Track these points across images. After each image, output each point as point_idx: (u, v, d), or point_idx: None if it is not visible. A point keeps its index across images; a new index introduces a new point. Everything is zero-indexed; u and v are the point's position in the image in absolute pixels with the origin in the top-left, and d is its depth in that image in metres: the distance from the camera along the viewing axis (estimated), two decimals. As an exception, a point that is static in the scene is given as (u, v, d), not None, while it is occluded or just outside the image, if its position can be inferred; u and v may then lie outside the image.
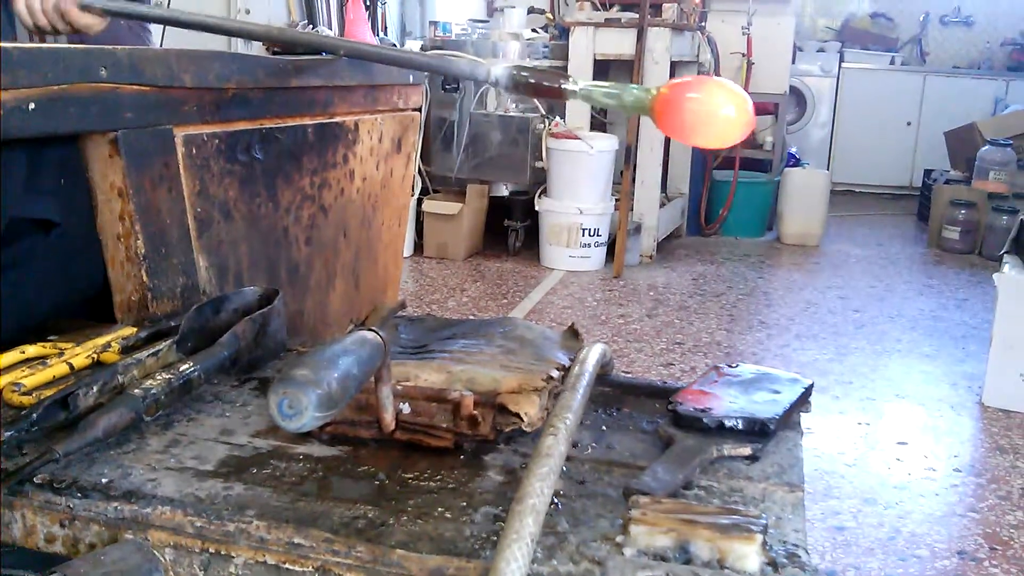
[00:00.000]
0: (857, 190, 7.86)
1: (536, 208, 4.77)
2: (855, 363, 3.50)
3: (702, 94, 1.02)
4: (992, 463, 2.65)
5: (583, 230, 4.64)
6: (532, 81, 1.12)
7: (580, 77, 1.16)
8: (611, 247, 4.72)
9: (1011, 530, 2.25)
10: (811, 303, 4.32)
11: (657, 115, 1.04)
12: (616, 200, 4.70)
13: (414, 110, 1.52)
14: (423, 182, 4.85)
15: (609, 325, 3.84)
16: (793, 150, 6.89)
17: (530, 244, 4.97)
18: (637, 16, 4.58)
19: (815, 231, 5.62)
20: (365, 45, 1.34)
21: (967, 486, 2.51)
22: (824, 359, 3.54)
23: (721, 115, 1.01)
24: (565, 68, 4.76)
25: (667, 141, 5.11)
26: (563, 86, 1.08)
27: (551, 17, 5.69)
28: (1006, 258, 3.12)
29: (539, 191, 4.78)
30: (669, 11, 4.86)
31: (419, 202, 4.83)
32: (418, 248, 4.92)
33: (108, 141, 0.95)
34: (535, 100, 4.61)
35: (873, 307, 4.28)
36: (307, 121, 1.25)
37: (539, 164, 4.73)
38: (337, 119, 1.31)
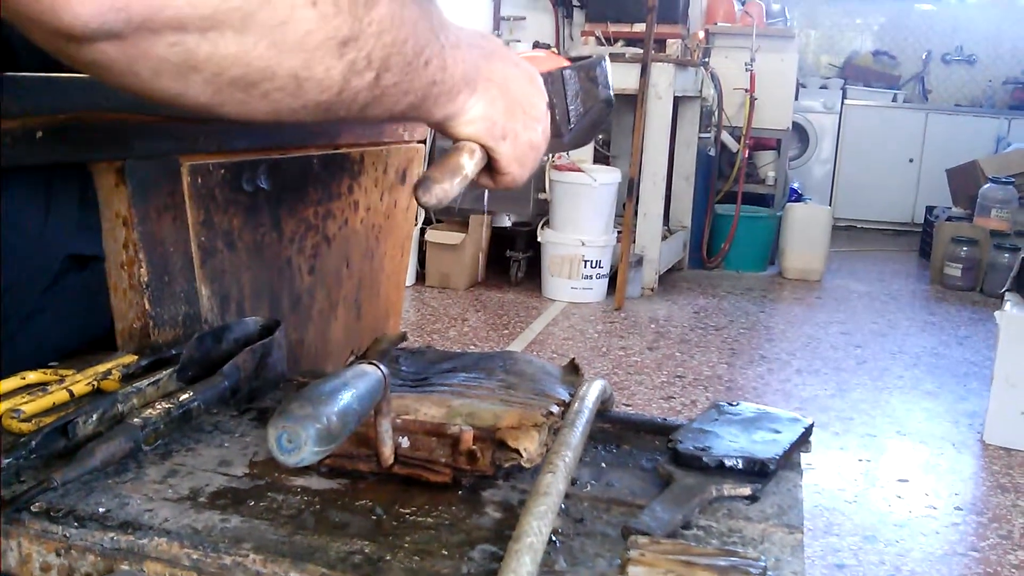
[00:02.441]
0: (859, 226, 7.88)
1: (538, 239, 4.78)
2: (856, 399, 3.49)
3: None
4: (993, 502, 2.63)
5: (585, 262, 4.65)
6: None
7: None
8: (613, 279, 4.73)
9: (1012, 570, 2.23)
10: (812, 338, 4.32)
11: None
12: (618, 232, 4.72)
13: (419, 142, 1.53)
14: (426, 212, 4.87)
15: (610, 357, 3.84)
16: (795, 185, 6.92)
17: (532, 275, 4.98)
18: (641, 51, 4.62)
19: (817, 266, 5.63)
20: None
21: (968, 524, 2.49)
22: (825, 395, 3.53)
23: None
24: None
25: (669, 175, 5.14)
26: None
27: (556, 51, 5.73)
28: (1008, 296, 3.13)
29: (541, 222, 4.80)
30: (673, 47, 4.90)
31: (422, 231, 4.84)
32: (420, 277, 4.93)
33: (114, 170, 0.96)
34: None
35: (874, 343, 4.28)
36: (313, 152, 1.25)
37: (542, 196, 4.75)
38: (342, 150, 1.32)
